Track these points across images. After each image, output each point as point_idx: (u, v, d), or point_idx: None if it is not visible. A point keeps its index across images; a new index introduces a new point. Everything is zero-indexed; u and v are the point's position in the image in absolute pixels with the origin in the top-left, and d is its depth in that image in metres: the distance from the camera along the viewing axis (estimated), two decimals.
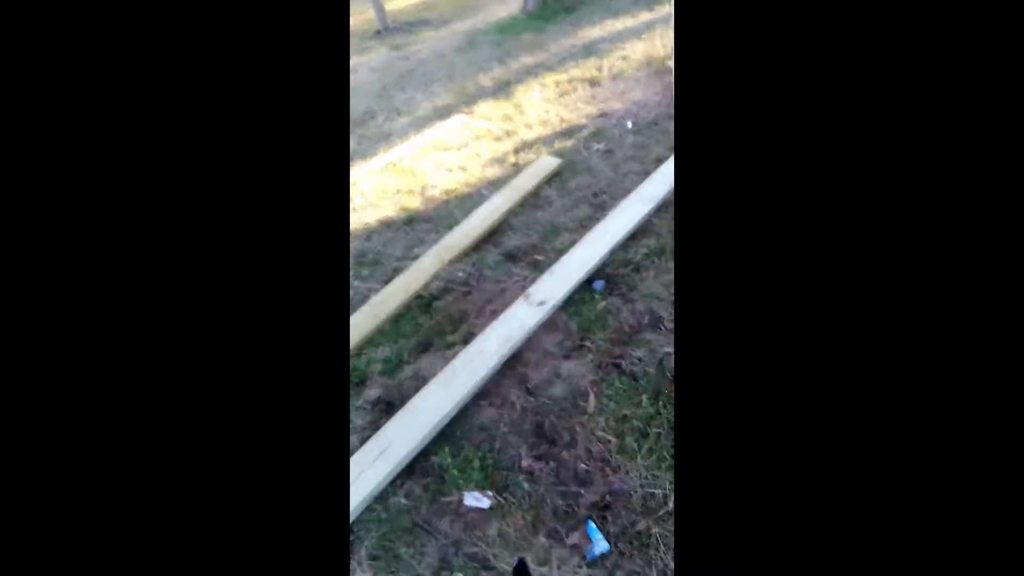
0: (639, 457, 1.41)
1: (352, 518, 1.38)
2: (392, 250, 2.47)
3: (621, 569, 1.20)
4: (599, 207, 2.46)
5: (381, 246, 2.51)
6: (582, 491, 1.37)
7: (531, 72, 4.24)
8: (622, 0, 5.63)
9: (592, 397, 1.60)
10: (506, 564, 1.25)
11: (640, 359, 1.68)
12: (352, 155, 3.53)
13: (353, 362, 1.88)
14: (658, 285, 1.94)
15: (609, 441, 1.47)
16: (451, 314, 2.00)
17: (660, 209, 2.33)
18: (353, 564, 1.31)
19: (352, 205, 2.88)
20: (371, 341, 1.95)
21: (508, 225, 2.46)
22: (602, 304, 1.91)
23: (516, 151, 3.10)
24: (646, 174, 2.57)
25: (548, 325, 1.86)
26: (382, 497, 1.43)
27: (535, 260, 2.21)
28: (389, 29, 6.65)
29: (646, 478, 1.36)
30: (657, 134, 2.93)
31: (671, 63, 3.09)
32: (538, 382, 1.68)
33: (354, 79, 5.22)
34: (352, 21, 7.37)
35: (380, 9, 6.65)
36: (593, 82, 3.77)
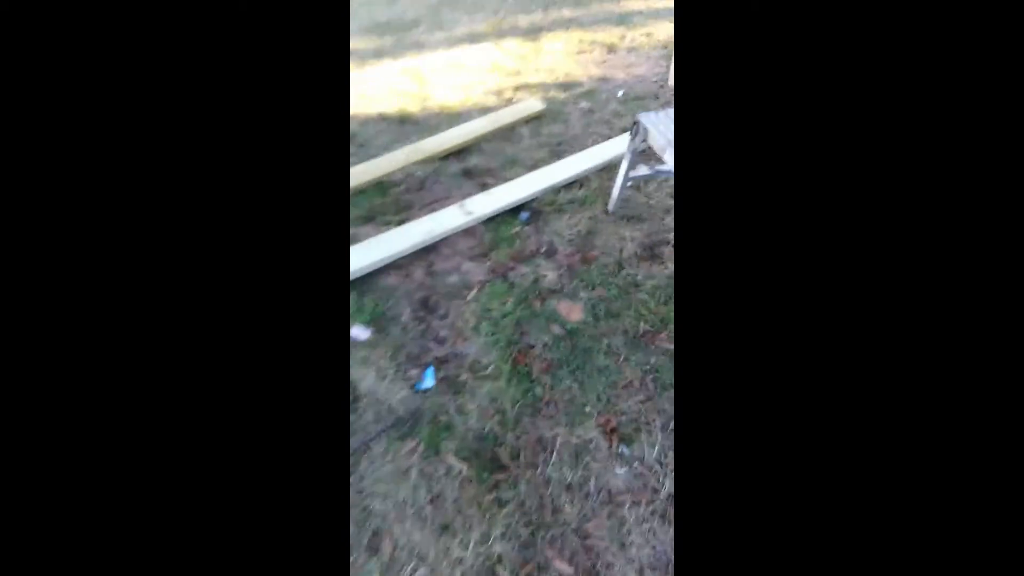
0: (480, 336, 1.72)
1: None
2: (379, 140, 2.70)
3: (430, 400, 1.54)
4: (557, 154, 2.66)
5: (372, 135, 2.74)
6: (434, 347, 1.69)
7: (564, 24, 4.28)
8: None
9: (475, 291, 1.89)
10: (369, 383, 1.59)
11: (523, 275, 1.96)
12: (381, 54, 3.68)
13: None
14: (565, 225, 2.20)
15: (469, 322, 1.78)
16: (399, 201, 2.27)
17: (602, 169, 2.54)
18: None
19: (365, 94, 3.08)
20: None
21: (478, 148, 2.67)
22: (518, 229, 2.17)
23: (515, 88, 3.26)
24: (608, 138, 2.75)
25: (468, 232, 2.13)
26: None
27: (485, 182, 2.44)
28: None
29: (480, 347, 1.68)
30: (637, 108, 3.07)
31: None
32: (441, 270, 1.97)
33: None
34: None
35: None
36: (611, 48, 3.84)
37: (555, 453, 1.43)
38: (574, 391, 1.60)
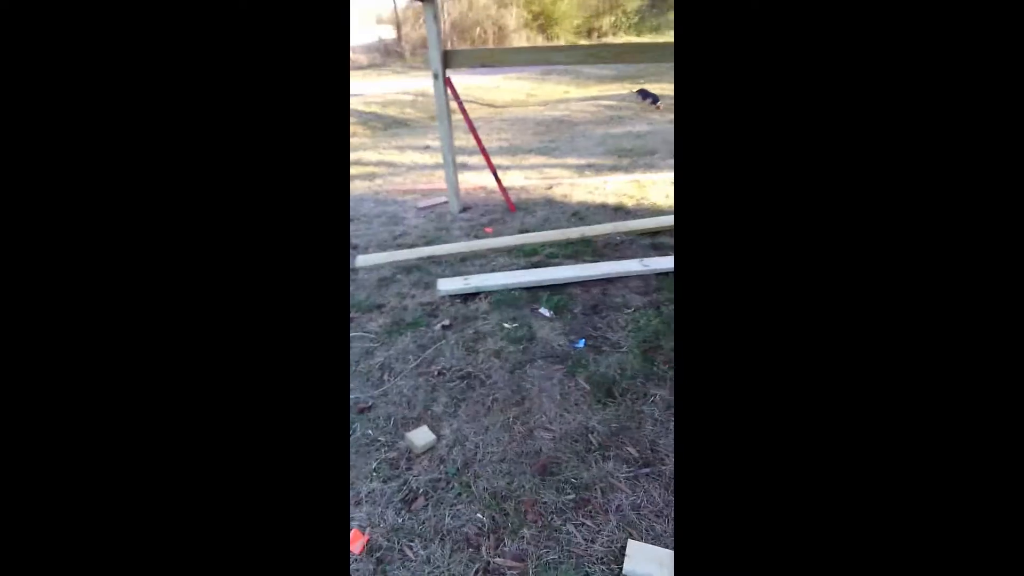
0: (624, 331, 2.42)
1: (491, 288, 2.71)
2: (594, 217, 3.72)
3: (579, 351, 2.28)
4: None
5: (590, 213, 3.78)
6: (589, 331, 2.45)
7: None
8: None
9: (631, 310, 2.62)
10: (543, 334, 2.42)
11: (673, 309, 2.61)
12: (617, 169, 4.85)
13: (538, 249, 3.20)
14: None
15: (620, 323, 2.49)
16: (597, 251, 3.17)
17: None
18: (484, 305, 2.64)
19: (595, 191, 4.20)
20: (552, 245, 3.26)
21: (670, 231, 3.47)
22: None
23: None
24: None
25: (642, 278, 2.89)
26: (507, 291, 2.73)
27: (667, 252, 3.20)
28: None
29: (622, 337, 2.37)
30: None
31: None
32: (612, 293, 2.76)
33: (663, 129, 6.44)
34: None
35: None
36: None
37: (654, 403, 2.02)
38: None
